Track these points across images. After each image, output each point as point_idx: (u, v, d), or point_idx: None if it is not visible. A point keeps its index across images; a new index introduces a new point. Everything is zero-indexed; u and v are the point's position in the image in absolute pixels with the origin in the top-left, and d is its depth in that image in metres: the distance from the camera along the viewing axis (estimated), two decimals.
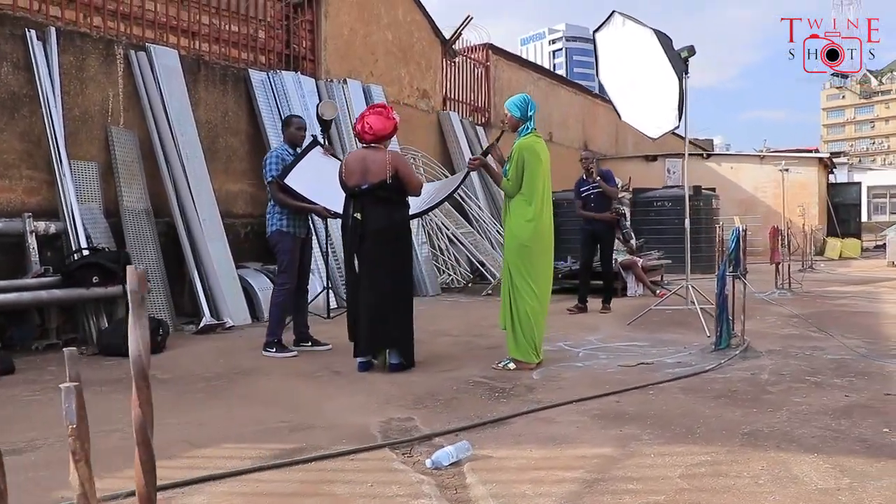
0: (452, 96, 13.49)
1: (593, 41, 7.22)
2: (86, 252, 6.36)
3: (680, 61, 6.55)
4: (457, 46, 13.55)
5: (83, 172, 7.05)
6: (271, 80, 9.09)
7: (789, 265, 10.23)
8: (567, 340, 6.17)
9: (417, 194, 5.07)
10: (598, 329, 6.87)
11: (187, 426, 3.74)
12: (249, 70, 8.90)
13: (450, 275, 11.03)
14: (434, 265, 10.86)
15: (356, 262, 4.94)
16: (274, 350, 5.62)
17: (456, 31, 12.80)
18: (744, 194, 15.60)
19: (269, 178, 5.66)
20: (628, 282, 9.73)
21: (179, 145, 7.57)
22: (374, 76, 11.13)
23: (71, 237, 6.53)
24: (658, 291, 9.47)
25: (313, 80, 9.86)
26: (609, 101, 21.03)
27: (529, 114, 5.01)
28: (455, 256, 11.14)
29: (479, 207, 12.42)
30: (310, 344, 5.92)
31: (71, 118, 7.07)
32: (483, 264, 10.60)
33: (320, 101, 9.83)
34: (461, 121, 13.09)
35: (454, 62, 13.48)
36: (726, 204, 16.47)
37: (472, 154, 12.96)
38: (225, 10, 8.90)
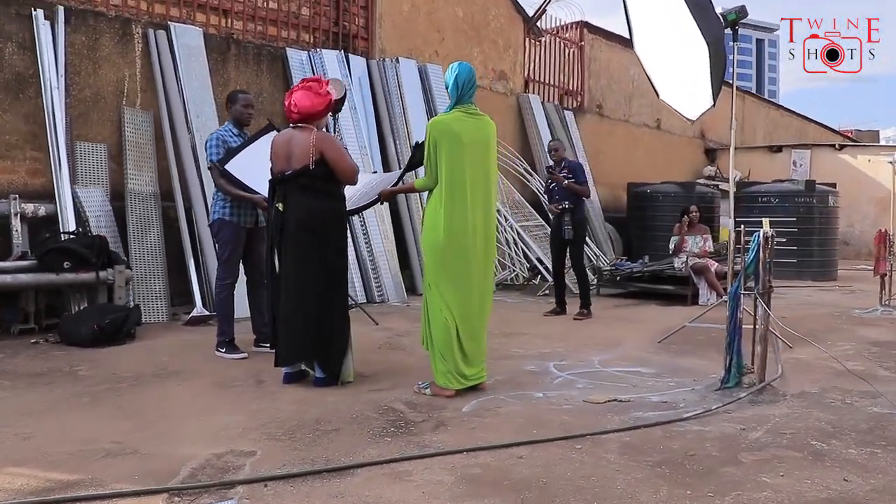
0: (538, 78, 12.50)
1: (624, 4, 6.10)
2: (71, 235, 6.19)
3: (716, 23, 5.33)
4: (545, 25, 12.54)
5: (91, 154, 6.89)
6: (312, 60, 8.62)
7: None
8: (564, 359, 5.24)
9: (351, 182, 4.34)
10: (617, 345, 5.85)
11: (14, 439, 3.34)
12: (287, 49, 8.47)
13: (513, 270, 10.16)
14: (496, 259, 10.07)
15: (276, 259, 4.32)
16: (224, 350, 5.17)
17: (539, 8, 11.79)
18: (882, 191, 13.42)
19: (209, 163, 5.17)
20: (700, 288, 8.46)
21: (193, 128, 7.26)
22: (439, 56, 10.41)
23: (60, 220, 6.38)
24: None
25: (364, 60, 9.30)
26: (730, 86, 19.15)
27: (459, 85, 4.09)
28: (524, 251, 10.20)
29: None
30: (269, 346, 5.38)
31: (81, 99, 6.92)
32: (541, 261, 9.64)
33: (371, 81, 9.33)
34: (543, 105, 12.08)
35: (539, 41, 12.47)
36: (860, 202, 14.35)
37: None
38: None
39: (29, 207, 6.26)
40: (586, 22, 13.12)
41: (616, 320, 7.17)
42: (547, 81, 12.71)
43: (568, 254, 7.65)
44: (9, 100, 6.47)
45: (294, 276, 4.22)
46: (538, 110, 11.84)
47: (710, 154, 16.74)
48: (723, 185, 15.34)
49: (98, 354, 5.22)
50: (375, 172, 7.06)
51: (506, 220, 9.89)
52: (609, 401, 4.10)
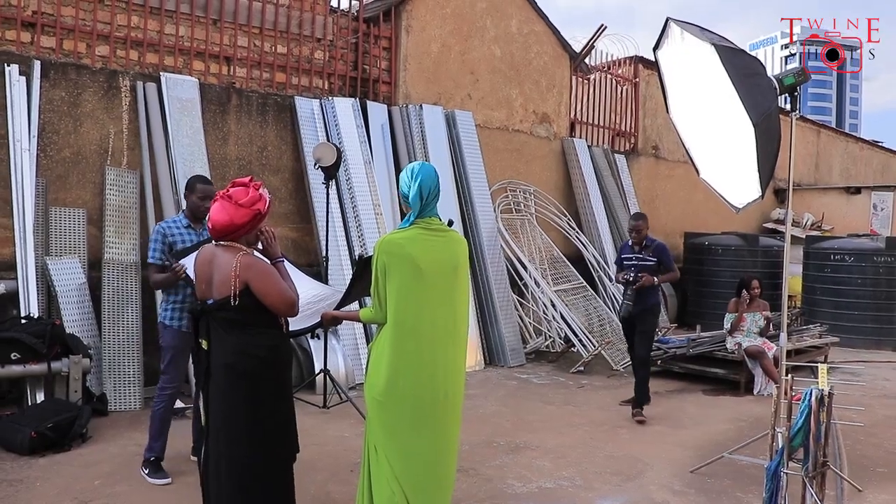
0: (586, 119, 11.49)
1: (656, 62, 5.08)
2: (24, 321, 5.58)
3: (768, 93, 4.27)
4: (594, 61, 11.53)
5: (68, 220, 6.31)
6: (324, 109, 7.89)
7: None
8: (562, 499, 4.27)
9: (289, 314, 3.47)
10: (639, 475, 4.82)
11: None
12: (296, 98, 7.75)
13: (548, 337, 9.18)
14: (525, 325, 9.13)
15: (201, 405, 3.51)
16: (147, 472, 4.48)
17: (587, 44, 10.79)
18: None
19: (150, 261, 4.44)
20: (755, 375, 7.31)
21: (180, 189, 6.60)
22: (472, 99, 9.57)
23: (21, 299, 5.78)
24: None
25: (385, 107, 8.53)
26: (803, 119, 17.67)
27: (424, 194, 3.15)
28: (564, 317, 9.15)
29: (599, 257, 10.38)
30: None
31: (60, 160, 6.35)
32: (576, 333, 8.62)
33: (392, 130, 8.56)
34: (590, 149, 11.05)
35: (588, 79, 11.47)
36: None
37: (602, 188, 10.94)
38: (270, 30, 7.83)
39: None
40: (641, 57, 12.05)
41: (650, 422, 6.11)
42: (596, 123, 11.68)
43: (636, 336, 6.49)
44: None
45: (217, 435, 3.40)
46: (584, 155, 10.82)
47: (780, 194, 15.34)
48: (792, 231, 13.99)
49: (30, 469, 4.57)
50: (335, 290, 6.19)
51: (537, 284, 8.93)
52: None
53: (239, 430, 3.38)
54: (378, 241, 3.19)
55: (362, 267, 3.37)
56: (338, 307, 3.72)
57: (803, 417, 3.11)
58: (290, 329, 3.76)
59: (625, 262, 6.61)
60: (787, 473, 3.09)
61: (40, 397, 5.50)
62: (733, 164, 4.59)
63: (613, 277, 6.99)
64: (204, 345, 3.44)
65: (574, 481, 4.66)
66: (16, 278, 5.84)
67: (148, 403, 6.08)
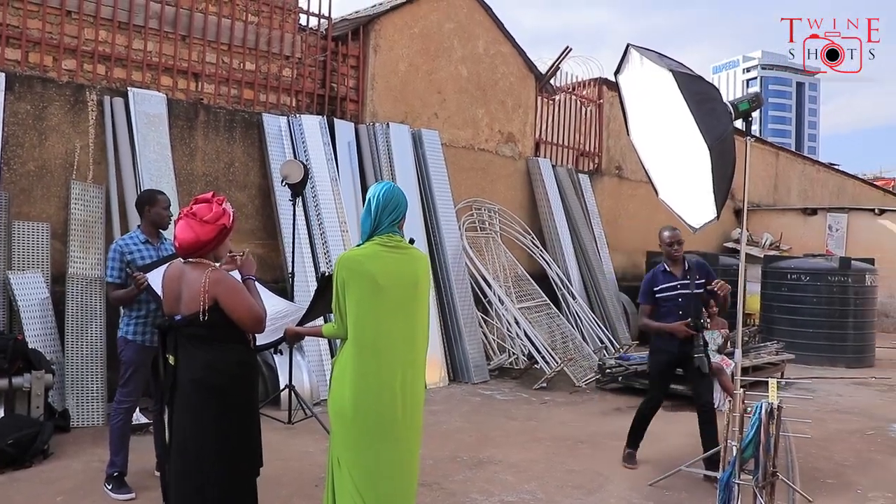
0: (551, 139, 11.70)
1: (617, 87, 5.24)
2: None
3: (723, 118, 4.45)
4: (559, 82, 11.77)
5: (31, 234, 6.26)
6: (291, 126, 7.95)
7: None
8: None
9: (256, 330, 3.52)
10: (599, 489, 4.93)
11: None
12: (264, 115, 7.80)
13: (512, 353, 9.28)
14: (490, 342, 9.23)
15: (166, 423, 3.54)
16: (111, 487, 4.46)
17: (553, 65, 11.02)
18: None
19: (108, 280, 4.47)
20: (714, 391, 7.47)
21: None
22: (439, 118, 9.70)
23: None
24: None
25: (353, 125, 8.61)
26: (763, 141, 18.04)
27: (374, 211, 3.23)
28: (527, 334, 9.25)
29: (565, 276, 10.54)
30: None
31: (24, 174, 6.32)
32: (539, 350, 8.74)
33: (359, 148, 8.64)
34: (555, 168, 11.25)
35: (553, 100, 11.70)
36: None
37: (566, 207, 11.13)
38: (239, 47, 7.88)
39: None
40: (605, 78, 12.32)
41: (610, 437, 6.23)
42: (561, 143, 11.90)
43: (692, 384, 5.46)
44: None
45: (183, 456, 3.42)
46: (548, 175, 11.02)
47: (740, 215, 15.72)
48: (750, 250, 14.33)
49: None
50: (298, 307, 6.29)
51: (501, 302, 9.05)
52: None
53: (206, 444, 3.41)
54: (338, 258, 3.26)
55: (325, 284, 3.43)
56: (300, 323, 3.77)
57: (754, 430, 3.24)
58: (259, 343, 3.82)
59: (659, 296, 5.29)
60: (738, 484, 3.22)
61: (0, 413, 5.43)
62: (690, 185, 4.76)
63: (645, 322, 5.43)
64: (171, 360, 3.48)
65: (536, 495, 4.75)
66: None
67: (110, 419, 6.07)
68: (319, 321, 3.78)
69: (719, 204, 4.49)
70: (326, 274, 3.40)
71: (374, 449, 3.15)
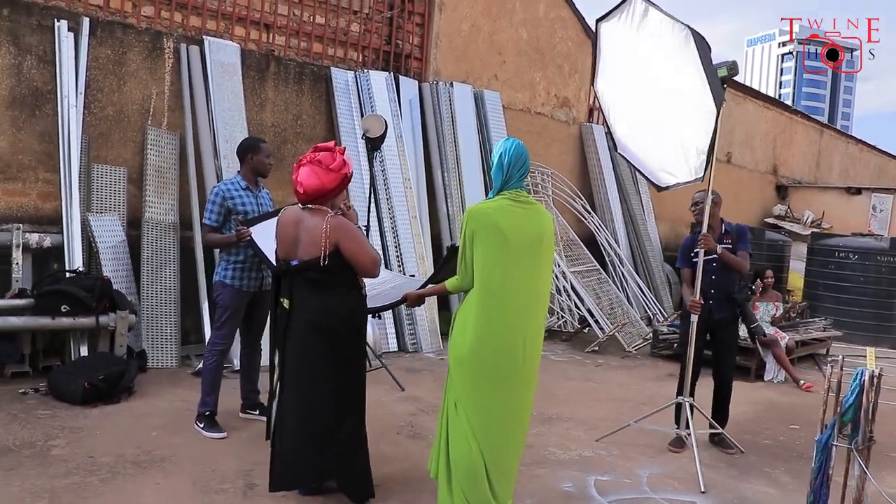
0: None
1: (596, 33, 5.09)
2: (73, 274, 5.66)
3: (717, 83, 4.41)
4: None
5: (109, 178, 6.38)
6: (359, 81, 7.97)
7: None
8: (607, 472, 4.46)
9: (372, 275, 3.62)
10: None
11: None
12: (332, 69, 7.83)
13: (561, 317, 9.35)
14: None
15: (277, 362, 3.66)
16: (203, 426, 4.59)
17: None
18: None
19: (205, 222, 4.55)
20: (767, 363, 7.54)
21: (220, 153, 6.68)
22: (498, 80, 9.67)
23: (66, 253, 5.86)
24: (802, 384, 7.21)
25: (416, 83, 8.61)
26: (808, 118, 17.74)
27: (505, 166, 3.32)
28: (578, 298, 9.31)
29: (615, 241, 10.55)
30: (258, 412, 4.84)
31: (103, 118, 6.40)
32: (592, 314, 8.81)
33: (422, 106, 8.65)
34: (607, 135, 11.16)
35: None
36: None
37: (616, 174, 11.10)
38: (309, 0, 7.88)
39: (33, 238, 5.76)
40: None
41: (669, 400, 6.31)
42: None
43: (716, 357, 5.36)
44: (24, 117, 5.98)
45: (300, 388, 3.54)
46: (601, 142, 10.98)
47: (782, 191, 15.60)
48: (791, 227, 14.24)
49: (85, 419, 4.68)
50: (413, 276, 6.55)
51: (557, 265, 9.09)
52: None
53: (315, 388, 3.53)
54: (467, 210, 3.34)
55: (451, 254, 3.53)
56: (424, 286, 3.89)
57: (854, 395, 3.30)
58: (375, 306, 3.95)
59: (696, 259, 5.06)
60: (836, 446, 3.30)
61: (83, 351, 5.60)
62: (671, 144, 4.73)
63: (682, 288, 5.31)
64: (285, 304, 3.58)
65: (611, 451, 4.86)
66: (61, 233, 5.91)
67: (184, 362, 6.24)
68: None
69: (706, 164, 4.54)
70: (453, 245, 3.50)
71: (491, 394, 3.25)
